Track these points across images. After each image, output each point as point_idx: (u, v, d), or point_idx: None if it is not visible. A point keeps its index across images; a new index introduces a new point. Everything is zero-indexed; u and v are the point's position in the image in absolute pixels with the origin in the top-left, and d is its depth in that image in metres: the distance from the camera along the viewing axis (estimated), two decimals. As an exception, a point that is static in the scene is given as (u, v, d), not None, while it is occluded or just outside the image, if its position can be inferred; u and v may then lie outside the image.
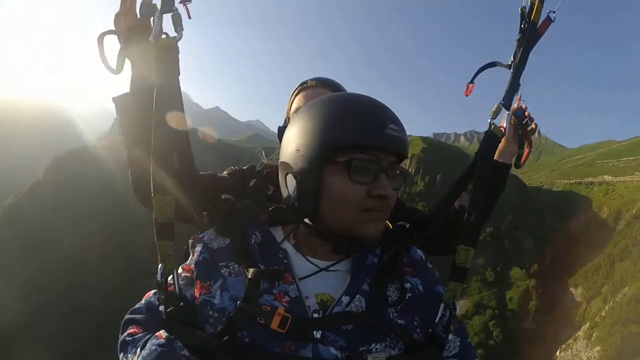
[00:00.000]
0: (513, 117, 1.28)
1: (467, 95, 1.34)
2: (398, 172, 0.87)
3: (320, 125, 0.85)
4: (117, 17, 1.04)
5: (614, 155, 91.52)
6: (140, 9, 1.00)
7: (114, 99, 1.10)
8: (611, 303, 36.13)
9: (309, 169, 0.86)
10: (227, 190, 1.05)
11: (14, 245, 46.31)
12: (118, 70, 1.04)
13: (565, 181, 78.22)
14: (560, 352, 35.05)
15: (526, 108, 1.29)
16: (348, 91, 1.34)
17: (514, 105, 1.26)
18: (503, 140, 1.26)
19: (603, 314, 35.53)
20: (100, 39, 1.03)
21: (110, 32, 1.04)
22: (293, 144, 0.88)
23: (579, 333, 35.26)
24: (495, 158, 1.22)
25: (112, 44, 1.05)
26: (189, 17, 0.99)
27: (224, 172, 1.30)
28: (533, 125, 1.29)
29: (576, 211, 63.58)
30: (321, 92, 1.35)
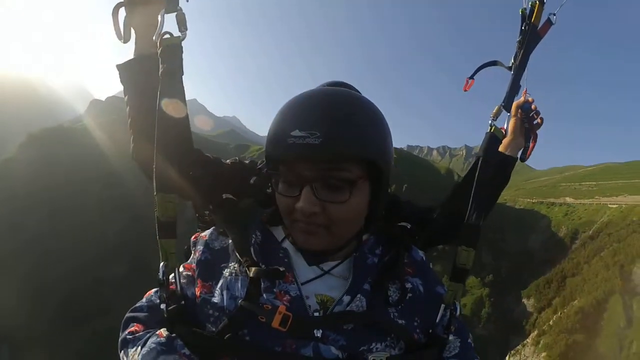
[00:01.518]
0: (520, 110, 1.29)
1: (465, 90, 1.34)
2: (336, 182, 0.81)
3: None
4: None
5: (578, 179, 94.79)
6: None
7: (117, 67, 1.11)
8: (559, 313, 38.42)
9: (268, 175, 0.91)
10: (227, 180, 1.09)
11: None
12: (126, 38, 1.08)
13: (528, 200, 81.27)
14: (509, 358, 36.89)
15: (533, 101, 1.28)
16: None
17: (521, 99, 1.27)
18: (510, 133, 1.30)
19: (551, 323, 37.65)
20: (115, 10, 1.05)
21: (121, 4, 1.06)
22: None
23: (528, 340, 37.17)
24: (501, 151, 1.24)
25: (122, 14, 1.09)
26: (187, 0, 1.02)
27: (228, 161, 1.29)
28: (539, 120, 1.29)
29: (535, 229, 66.40)
30: None
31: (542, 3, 1.15)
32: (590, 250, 48.83)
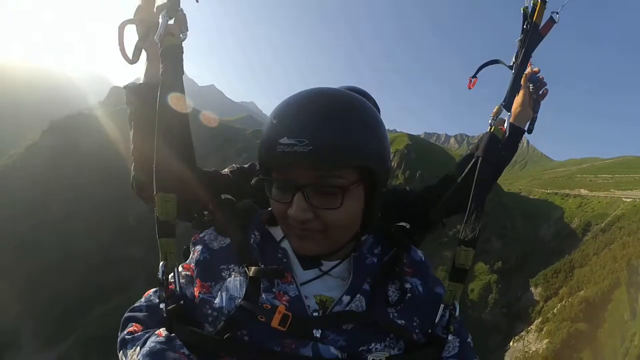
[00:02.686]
0: (529, 82, 1.29)
1: (469, 89, 1.33)
2: (328, 188, 0.79)
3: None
4: (138, 9, 1.05)
5: (594, 172, 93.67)
6: (157, 7, 1.02)
7: (126, 88, 1.10)
8: (563, 302, 38.93)
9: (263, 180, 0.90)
10: (229, 188, 1.10)
11: (5, 205, 46.75)
12: (134, 60, 1.06)
13: (543, 190, 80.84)
14: (513, 343, 37.67)
15: (539, 71, 1.29)
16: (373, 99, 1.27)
17: (528, 70, 1.26)
18: (519, 105, 1.31)
19: (555, 311, 38.27)
20: (121, 28, 1.02)
21: (130, 21, 1.04)
22: None
23: (531, 327, 37.93)
24: (511, 122, 1.27)
25: (131, 34, 1.05)
26: (197, 0, 1.05)
27: (226, 170, 1.27)
28: (544, 90, 1.30)
29: (548, 219, 66.35)
30: None
31: (544, 2, 1.12)
32: (601, 243, 49.19)
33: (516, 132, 1.30)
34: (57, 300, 41.02)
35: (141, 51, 1.06)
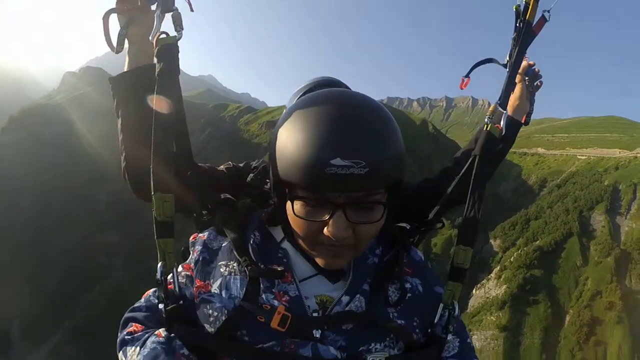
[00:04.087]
0: (525, 76, 1.33)
1: (462, 89, 1.36)
2: (370, 204, 0.78)
3: (278, 154, 0.78)
4: None
5: (551, 131, 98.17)
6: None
7: (110, 80, 1.08)
8: (519, 251, 42.31)
9: (275, 191, 0.86)
10: (224, 186, 1.09)
11: None
12: (118, 49, 1.06)
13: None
14: (475, 291, 40.83)
15: (534, 64, 1.31)
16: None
17: (524, 63, 1.27)
18: (516, 99, 1.35)
19: (512, 259, 41.50)
20: (106, 17, 1.02)
21: (113, 10, 1.04)
22: (272, 158, 0.82)
23: (491, 275, 41.12)
24: (508, 115, 1.26)
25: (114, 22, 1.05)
26: (191, 10, 1.03)
27: (222, 167, 1.25)
28: (539, 83, 1.35)
29: (507, 177, 69.99)
30: None
31: (536, 0, 1.13)
32: (555, 197, 52.82)
33: (514, 125, 1.33)
34: (40, 296, 41.14)
35: (124, 39, 1.06)
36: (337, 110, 0.77)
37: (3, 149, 52.64)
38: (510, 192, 65.85)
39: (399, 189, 0.84)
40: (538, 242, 43.63)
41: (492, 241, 47.56)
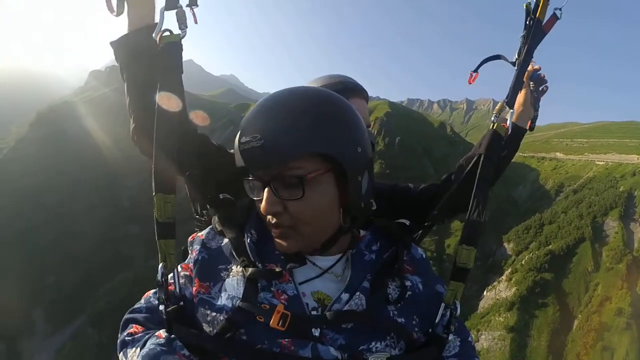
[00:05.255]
0: (530, 80, 1.29)
1: (470, 83, 1.30)
2: (291, 180, 0.79)
3: None
4: None
5: (571, 136, 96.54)
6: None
7: (111, 43, 1.07)
8: (531, 254, 42.28)
9: None
10: (225, 176, 1.05)
11: (2, 197, 47.33)
12: (119, 12, 1.03)
13: (520, 154, 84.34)
14: (486, 292, 41.29)
15: (540, 69, 1.28)
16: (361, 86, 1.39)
17: (530, 67, 1.23)
18: (520, 104, 1.31)
19: (523, 262, 41.69)
20: None
21: None
22: None
23: (502, 277, 41.44)
24: (513, 121, 1.18)
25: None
26: (195, 22, 1.01)
27: (232, 150, 1.20)
28: (544, 87, 1.31)
29: (523, 181, 69.68)
30: None
31: None
32: (570, 202, 52.86)
33: (519, 132, 1.31)
34: (63, 284, 42.68)
35: (124, 2, 1.03)
36: (262, 100, 0.83)
37: (30, 143, 54.56)
38: (526, 195, 65.56)
39: (341, 168, 0.82)
40: (550, 246, 43.68)
41: (505, 244, 47.83)
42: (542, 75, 1.30)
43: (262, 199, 0.81)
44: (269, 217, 0.83)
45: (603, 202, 49.36)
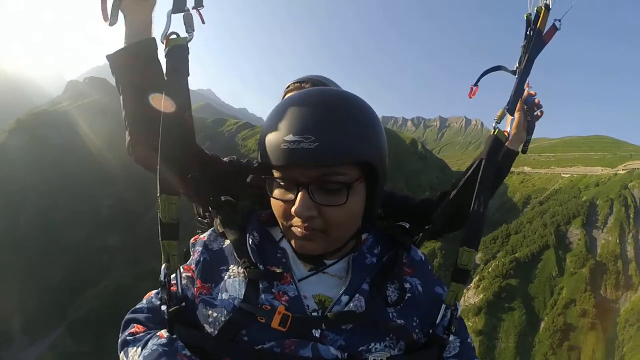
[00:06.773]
0: (524, 104, 1.30)
1: (470, 98, 1.33)
2: (333, 185, 0.78)
3: (259, 141, 0.84)
4: None
5: (539, 151, 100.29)
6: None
7: (107, 57, 1.05)
8: (497, 262, 44.67)
9: (260, 175, 0.87)
10: (226, 181, 1.09)
11: None
12: (112, 21, 1.01)
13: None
14: (455, 301, 43.66)
15: (535, 94, 1.30)
16: (339, 87, 1.34)
17: (525, 93, 1.26)
18: (513, 127, 1.31)
19: (489, 270, 43.96)
20: None
21: None
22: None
23: (470, 285, 43.58)
24: (505, 145, 1.23)
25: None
26: (203, 22, 1.00)
27: (226, 159, 1.27)
28: (539, 112, 1.33)
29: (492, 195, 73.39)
30: None
31: (547, 9, 1.14)
32: (535, 212, 55.67)
33: (510, 155, 1.33)
34: (43, 293, 42.07)
35: (118, 11, 1.01)
36: (301, 98, 0.82)
37: (9, 150, 54.06)
38: (495, 208, 68.42)
39: (375, 176, 0.83)
40: (516, 254, 46.27)
41: (474, 254, 50.05)
42: (536, 100, 1.32)
43: (293, 200, 0.80)
44: (296, 218, 0.81)
45: (566, 212, 52.20)
